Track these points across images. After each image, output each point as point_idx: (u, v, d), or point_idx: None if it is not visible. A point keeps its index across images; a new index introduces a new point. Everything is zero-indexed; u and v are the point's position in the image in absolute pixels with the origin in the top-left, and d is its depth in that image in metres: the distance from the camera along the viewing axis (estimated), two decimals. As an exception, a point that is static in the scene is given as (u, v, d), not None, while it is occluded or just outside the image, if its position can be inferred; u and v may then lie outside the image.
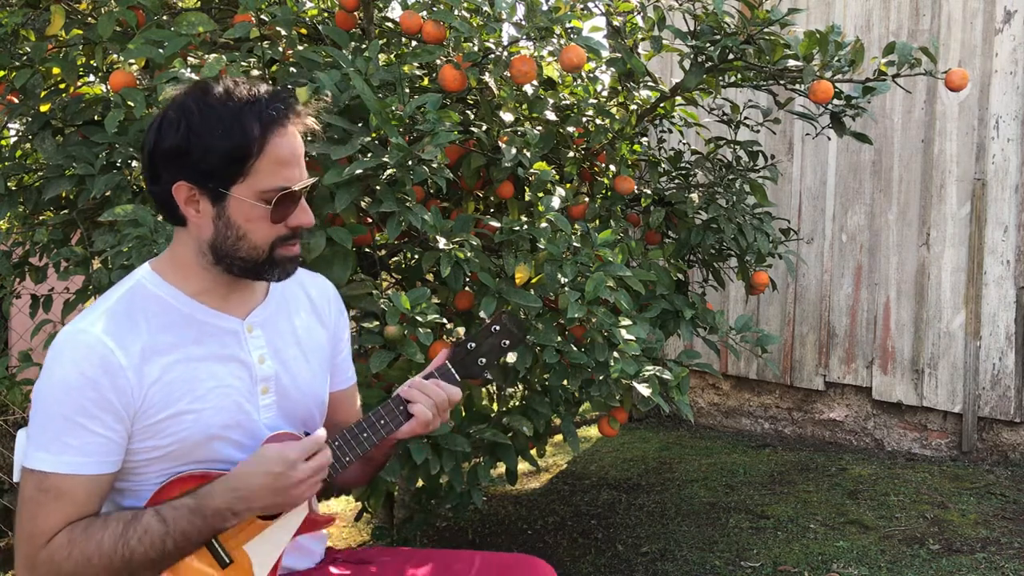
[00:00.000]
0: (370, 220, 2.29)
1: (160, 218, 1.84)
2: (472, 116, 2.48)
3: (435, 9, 2.22)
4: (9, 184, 2.26)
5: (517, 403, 2.61)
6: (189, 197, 1.26)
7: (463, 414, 2.35)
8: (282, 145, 1.26)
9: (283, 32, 2.22)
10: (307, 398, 1.41)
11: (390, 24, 2.63)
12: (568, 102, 2.68)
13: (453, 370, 1.41)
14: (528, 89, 2.45)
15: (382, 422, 1.37)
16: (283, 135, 1.26)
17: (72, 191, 2.28)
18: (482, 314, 2.11)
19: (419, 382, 1.38)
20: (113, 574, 1.20)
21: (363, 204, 2.21)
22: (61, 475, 1.20)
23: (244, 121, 1.23)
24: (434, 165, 1.97)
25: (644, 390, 2.10)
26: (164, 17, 2.26)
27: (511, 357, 1.42)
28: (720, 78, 2.69)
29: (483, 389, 2.75)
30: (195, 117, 1.24)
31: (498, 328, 1.42)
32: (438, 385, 1.38)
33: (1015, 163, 3.87)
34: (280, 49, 2.20)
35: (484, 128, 2.40)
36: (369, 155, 1.95)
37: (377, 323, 2.00)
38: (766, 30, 2.44)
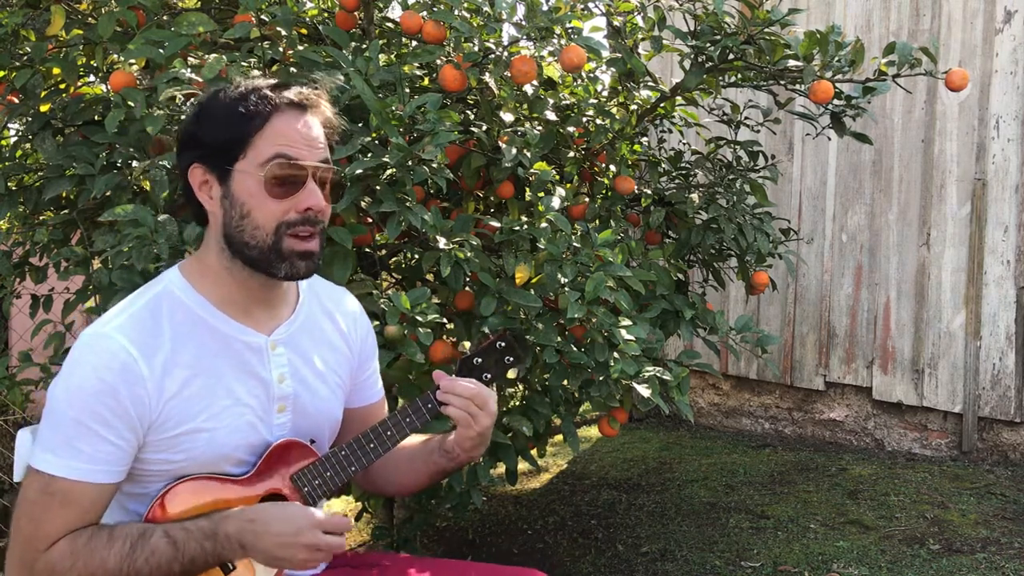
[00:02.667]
0: (370, 220, 2.28)
1: (161, 218, 1.84)
2: (472, 116, 2.48)
3: (435, 9, 2.22)
4: (9, 184, 2.26)
5: (517, 403, 2.61)
6: (203, 182, 1.28)
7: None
8: (287, 123, 1.26)
9: (283, 32, 2.22)
10: (321, 416, 1.41)
11: (390, 24, 2.63)
12: (568, 102, 2.68)
13: None
14: (528, 89, 2.45)
15: (388, 433, 1.37)
16: (290, 115, 1.27)
17: (72, 191, 2.28)
18: (484, 323, 2.11)
19: (449, 383, 1.35)
20: None
21: (363, 204, 2.20)
22: (69, 480, 1.19)
23: (249, 99, 1.25)
24: (434, 165, 1.97)
25: (644, 391, 2.10)
26: (164, 17, 2.26)
27: (511, 374, 1.42)
28: (720, 78, 2.69)
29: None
30: (207, 101, 1.29)
31: (503, 344, 1.41)
32: (466, 381, 1.36)
33: (1015, 163, 3.86)
34: (280, 49, 2.19)
35: (484, 128, 2.40)
36: (369, 155, 1.95)
37: (377, 323, 2.00)
38: (766, 30, 2.44)
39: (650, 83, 2.81)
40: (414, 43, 2.45)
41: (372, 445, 1.36)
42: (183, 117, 1.32)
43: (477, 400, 1.34)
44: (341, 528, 1.25)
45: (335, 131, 1.35)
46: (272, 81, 1.30)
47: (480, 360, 1.41)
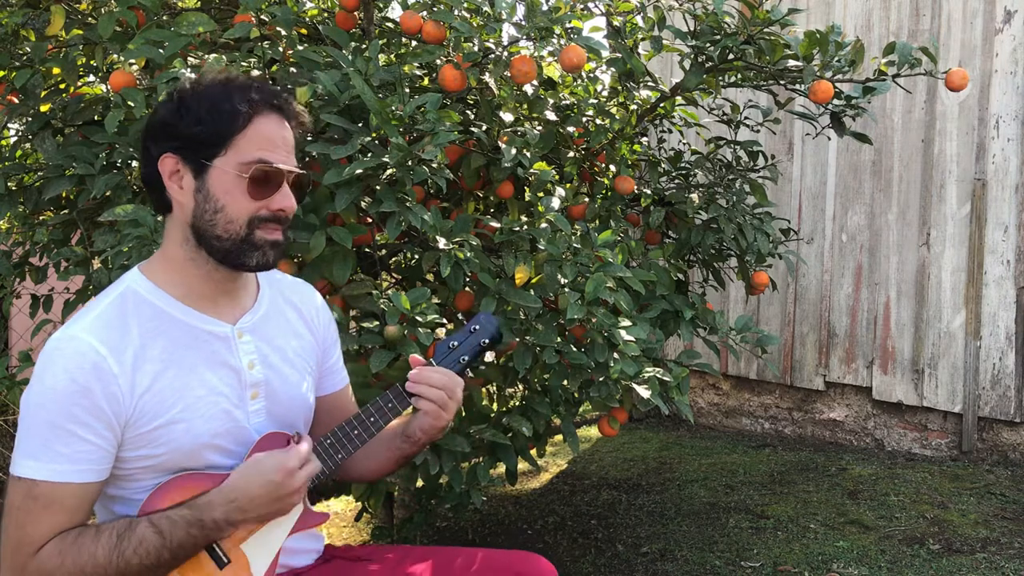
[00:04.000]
0: (370, 220, 2.28)
1: (160, 218, 1.84)
2: (472, 116, 2.48)
3: (435, 9, 2.22)
4: (9, 184, 2.26)
5: (517, 403, 2.61)
6: (173, 171, 1.28)
7: (463, 414, 2.35)
8: (268, 126, 1.28)
9: (283, 32, 2.22)
10: (295, 402, 1.42)
11: (390, 24, 2.63)
12: (568, 102, 2.68)
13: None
14: (528, 89, 2.45)
15: (372, 419, 1.39)
16: (270, 119, 1.29)
17: (72, 191, 2.28)
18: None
19: (418, 371, 1.38)
20: None
21: (363, 204, 2.21)
22: (51, 483, 1.19)
23: (233, 98, 1.27)
24: (434, 165, 1.97)
25: (644, 391, 2.10)
26: (164, 17, 2.26)
27: (489, 356, 1.44)
28: (720, 78, 2.69)
29: (483, 389, 2.74)
30: (187, 92, 1.29)
31: (477, 328, 1.44)
32: (436, 371, 1.39)
33: (1015, 163, 3.87)
34: (280, 49, 2.19)
35: (484, 128, 2.40)
36: (369, 155, 1.95)
37: (377, 323, 2.00)
38: (766, 30, 2.44)
39: (650, 83, 2.81)
40: (414, 43, 2.45)
41: (356, 432, 1.39)
42: (155, 107, 1.32)
43: (448, 391, 1.38)
44: (307, 456, 1.28)
45: (307, 130, 1.39)
46: (252, 80, 1.31)
47: (456, 343, 1.44)
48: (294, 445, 1.30)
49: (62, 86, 2.42)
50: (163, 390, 1.25)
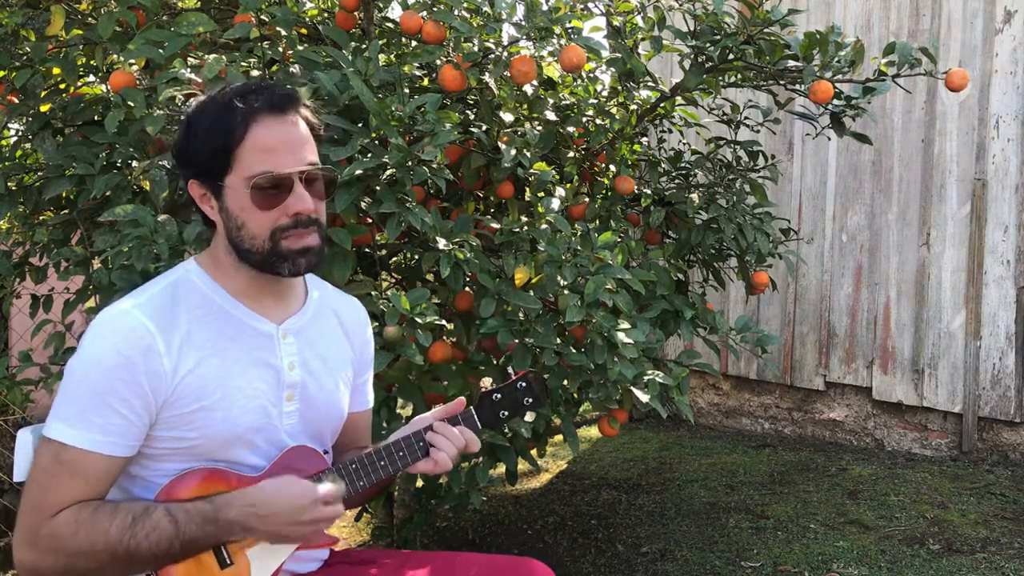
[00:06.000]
0: (370, 220, 2.28)
1: (161, 218, 1.85)
2: (472, 116, 2.48)
3: (435, 9, 2.22)
4: (9, 184, 2.26)
5: (517, 403, 2.61)
6: (201, 195, 1.33)
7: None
8: (266, 132, 1.28)
9: (283, 32, 2.22)
10: (329, 409, 1.43)
11: (390, 24, 2.63)
12: (568, 102, 2.68)
13: (476, 417, 1.45)
14: (528, 89, 2.45)
15: (400, 454, 1.40)
16: (267, 123, 1.28)
17: (72, 191, 2.28)
18: (484, 324, 2.11)
19: (447, 429, 1.40)
20: (115, 562, 1.21)
21: (363, 204, 2.21)
22: (80, 450, 1.21)
23: (228, 113, 1.28)
24: (434, 165, 1.97)
25: (643, 396, 2.10)
26: (164, 17, 2.26)
27: (529, 416, 1.46)
28: (720, 78, 2.69)
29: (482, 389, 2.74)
30: (193, 116, 1.31)
31: (524, 385, 1.45)
32: (463, 433, 1.41)
33: (1015, 163, 3.86)
34: (280, 49, 2.19)
35: (484, 128, 2.40)
36: (369, 155, 1.95)
37: (376, 323, 2.00)
38: (766, 30, 2.44)
39: (650, 83, 2.81)
40: (414, 43, 2.45)
41: (383, 463, 1.39)
42: (176, 128, 1.35)
43: (461, 452, 1.41)
44: (337, 497, 1.29)
45: (318, 127, 1.37)
46: (249, 86, 1.31)
47: (500, 396, 1.45)
48: (329, 483, 1.30)
49: (62, 86, 2.42)
50: (205, 375, 1.27)
